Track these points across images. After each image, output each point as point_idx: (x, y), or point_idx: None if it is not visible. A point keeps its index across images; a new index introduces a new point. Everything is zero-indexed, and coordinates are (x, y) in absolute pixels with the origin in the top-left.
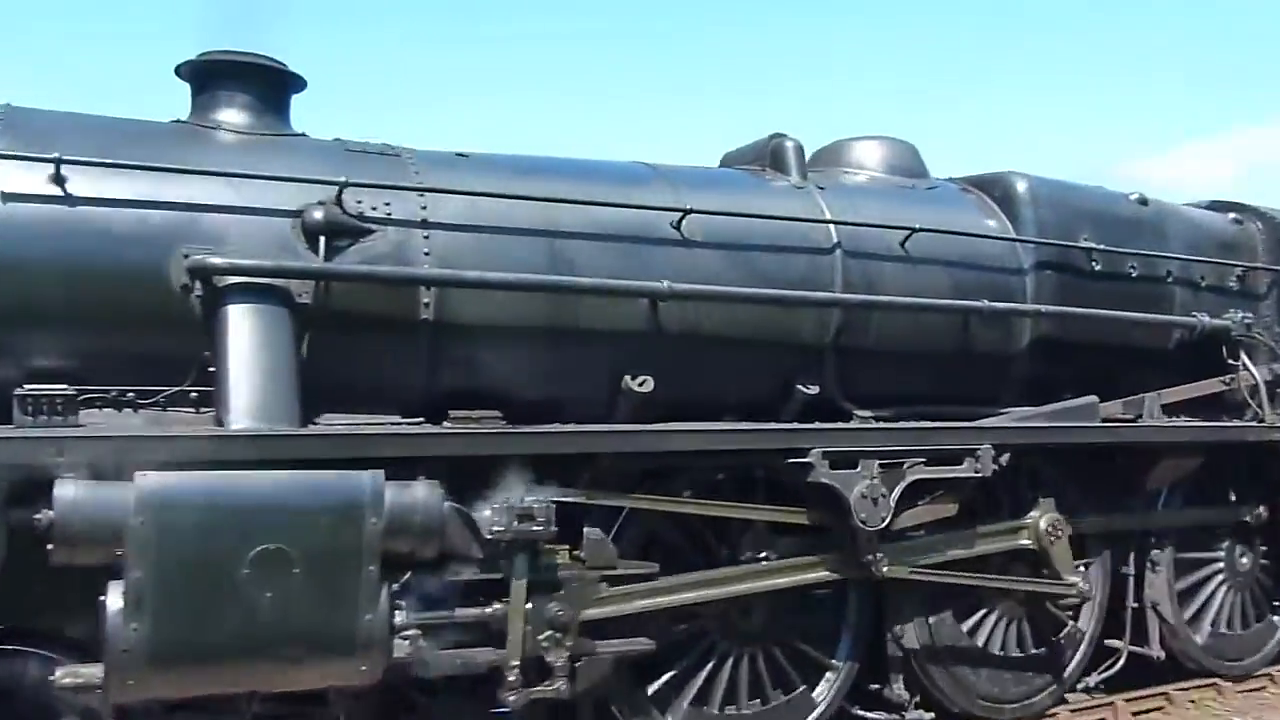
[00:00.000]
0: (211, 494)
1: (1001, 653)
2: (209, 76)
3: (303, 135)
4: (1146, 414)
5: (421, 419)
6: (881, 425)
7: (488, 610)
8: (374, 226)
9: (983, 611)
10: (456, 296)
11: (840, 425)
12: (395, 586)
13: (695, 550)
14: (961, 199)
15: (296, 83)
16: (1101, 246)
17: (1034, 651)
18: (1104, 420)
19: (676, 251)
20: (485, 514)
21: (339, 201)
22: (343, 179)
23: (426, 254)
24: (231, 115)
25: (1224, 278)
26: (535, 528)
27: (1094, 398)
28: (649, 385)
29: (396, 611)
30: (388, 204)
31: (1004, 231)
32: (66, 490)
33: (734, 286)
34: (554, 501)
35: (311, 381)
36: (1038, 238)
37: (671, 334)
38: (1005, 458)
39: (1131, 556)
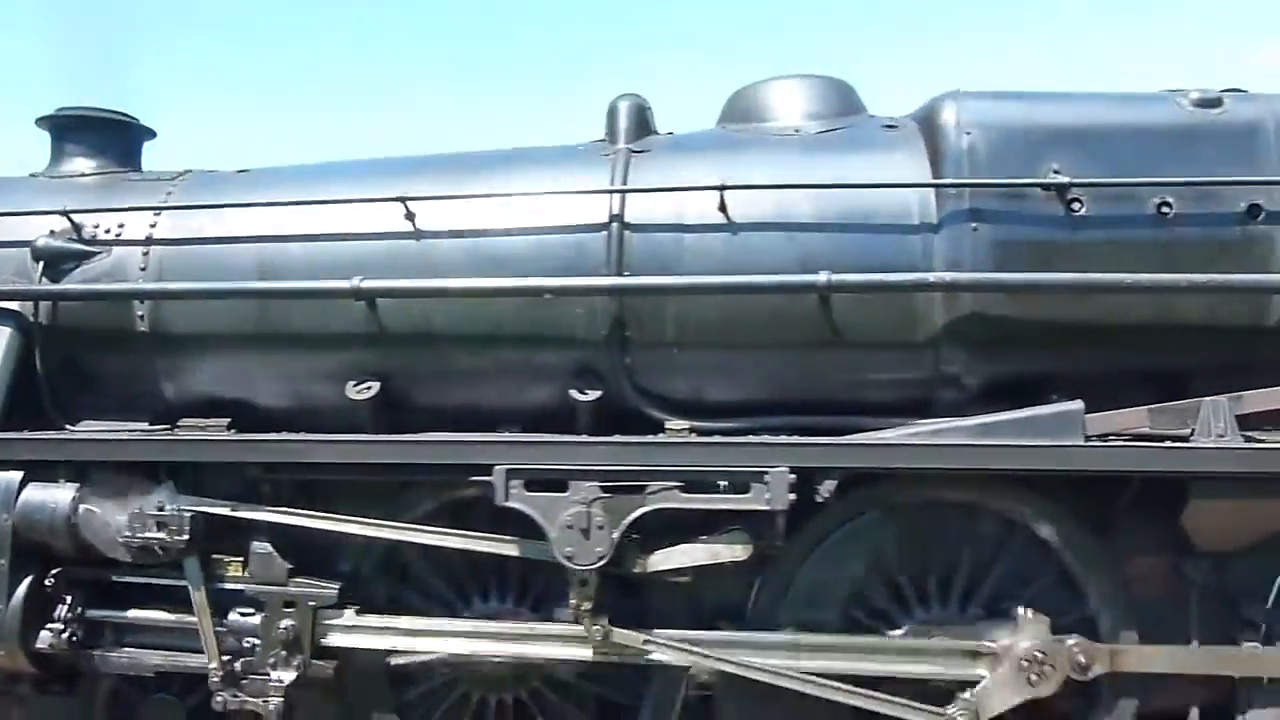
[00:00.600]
0: None
1: None
2: (62, 129)
3: (130, 174)
4: (1203, 429)
5: (166, 426)
6: (609, 440)
7: (170, 615)
8: (96, 249)
9: None
10: (169, 308)
11: (529, 439)
12: (50, 581)
13: (448, 587)
14: (872, 140)
15: (142, 131)
16: (1065, 180)
17: None
18: (1102, 437)
19: (409, 246)
20: (121, 519)
21: (75, 229)
22: (64, 208)
23: (142, 269)
24: (79, 163)
25: None
26: (168, 536)
27: (1077, 403)
28: (371, 392)
29: (59, 605)
30: (121, 225)
31: (920, 177)
32: None
33: (476, 279)
34: (195, 511)
35: (61, 393)
36: (966, 178)
37: (398, 336)
38: (829, 485)
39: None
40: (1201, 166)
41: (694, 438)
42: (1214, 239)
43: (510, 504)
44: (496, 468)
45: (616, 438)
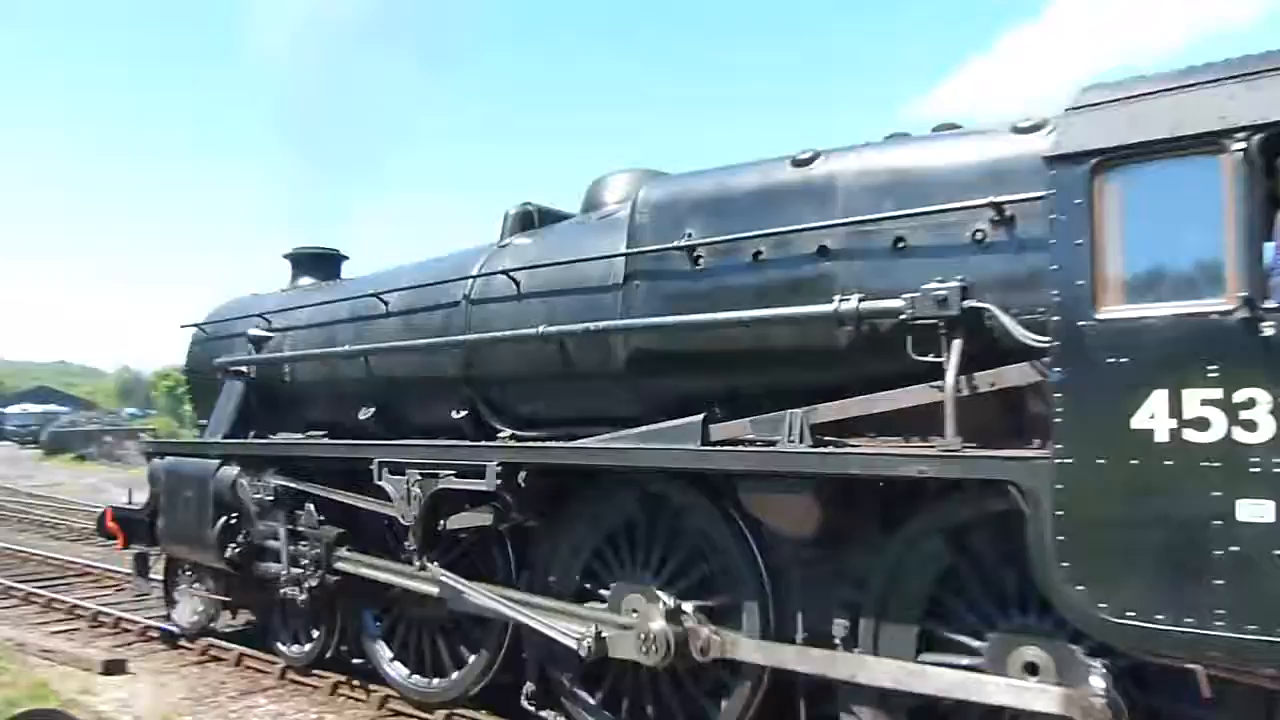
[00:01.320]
0: None
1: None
2: (294, 260)
3: (306, 285)
4: (785, 435)
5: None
6: (421, 443)
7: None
8: (273, 334)
9: None
10: (296, 369)
11: (394, 443)
12: (232, 519)
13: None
14: (605, 225)
15: (340, 258)
16: (690, 242)
17: None
18: (718, 443)
19: (381, 322)
20: (251, 487)
21: (268, 323)
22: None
23: (288, 345)
24: (303, 280)
25: (958, 227)
26: (264, 497)
27: (696, 418)
28: (369, 414)
29: (237, 533)
30: (286, 321)
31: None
32: None
33: (403, 341)
34: (277, 484)
35: (256, 420)
36: (638, 247)
37: (381, 378)
38: (522, 476)
39: None
40: (788, 218)
41: (450, 441)
42: (794, 278)
43: (378, 482)
44: (374, 460)
45: (423, 442)
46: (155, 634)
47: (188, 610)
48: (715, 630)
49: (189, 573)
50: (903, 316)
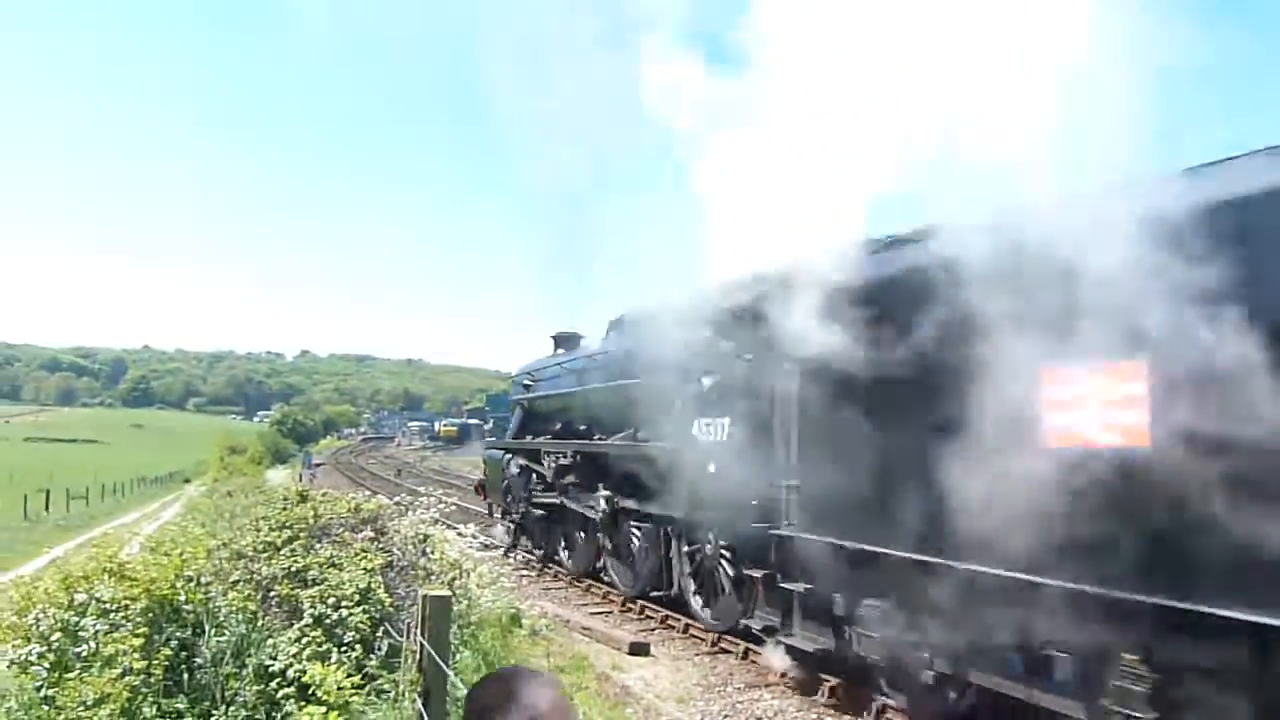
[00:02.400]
0: None
1: None
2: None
3: (569, 352)
4: None
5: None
6: (564, 442)
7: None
8: (534, 384)
9: None
10: (536, 402)
11: (554, 441)
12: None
13: None
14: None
15: (578, 336)
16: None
17: None
18: None
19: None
20: (515, 471)
21: (532, 376)
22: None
23: (529, 385)
24: (559, 352)
25: None
26: (514, 472)
27: None
28: (573, 427)
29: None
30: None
31: None
32: None
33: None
34: (522, 466)
35: (528, 430)
36: None
37: (579, 407)
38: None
39: None
40: None
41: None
42: None
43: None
44: (542, 450)
45: (563, 442)
46: (674, 623)
47: (500, 533)
48: None
49: (500, 514)
50: None
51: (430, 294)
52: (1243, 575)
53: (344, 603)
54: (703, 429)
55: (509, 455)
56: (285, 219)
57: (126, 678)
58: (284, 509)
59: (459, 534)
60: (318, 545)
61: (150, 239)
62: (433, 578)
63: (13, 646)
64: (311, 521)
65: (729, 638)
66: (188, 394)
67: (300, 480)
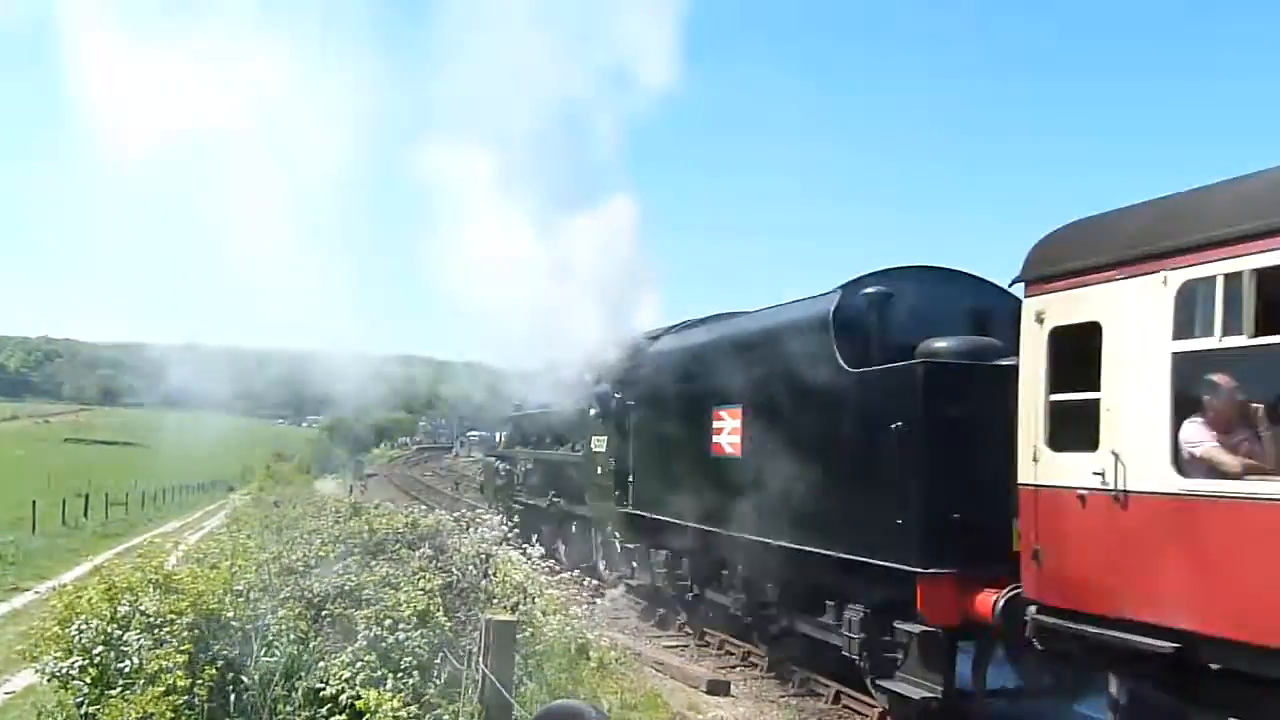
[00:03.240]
0: None
1: None
2: None
3: None
4: None
5: None
6: None
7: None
8: None
9: None
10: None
11: None
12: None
13: None
14: None
15: None
16: None
17: None
18: None
19: None
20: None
21: None
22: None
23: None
24: None
25: None
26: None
27: None
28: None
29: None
30: None
31: None
32: None
33: None
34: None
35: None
36: None
37: None
38: None
39: None
40: None
41: None
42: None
43: None
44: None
45: None
46: (756, 660)
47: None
48: None
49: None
50: None
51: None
52: (807, 524)
53: (400, 625)
54: (595, 444)
55: (497, 461)
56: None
57: (170, 696)
58: (336, 522)
59: (524, 554)
60: (373, 562)
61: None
62: (495, 602)
63: (54, 658)
64: (366, 537)
65: (818, 677)
66: (234, 395)
67: (351, 491)
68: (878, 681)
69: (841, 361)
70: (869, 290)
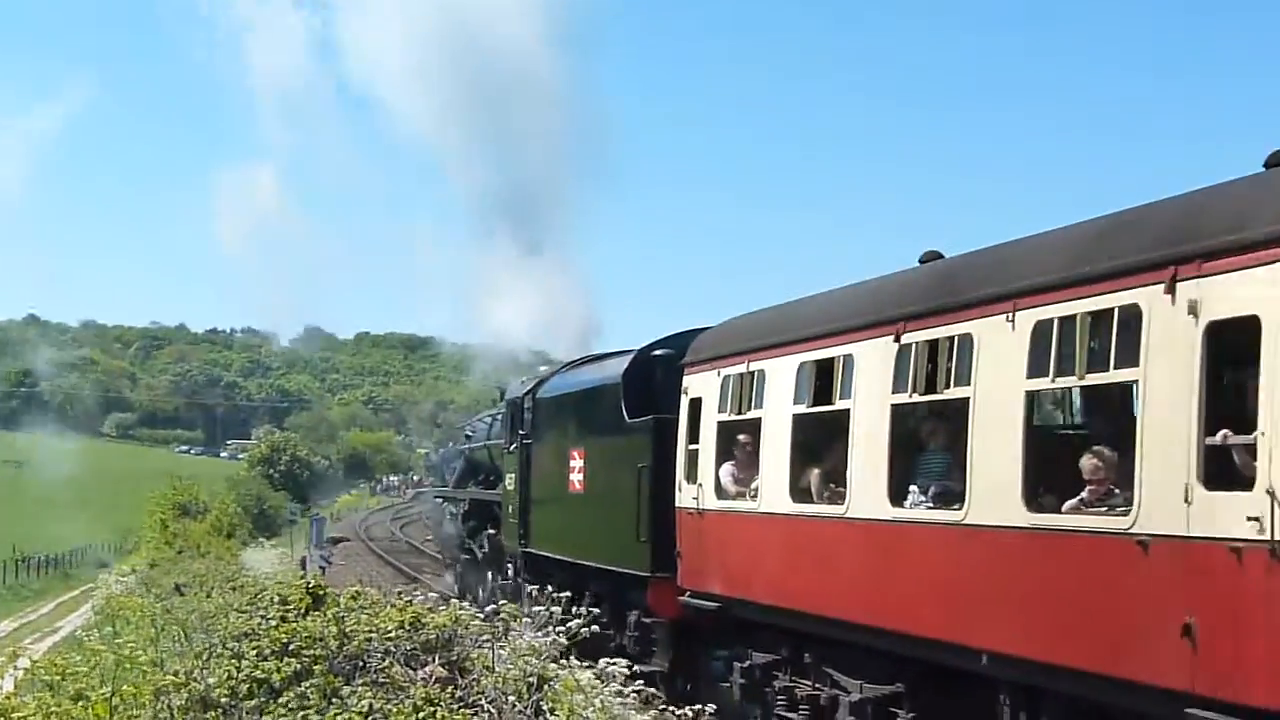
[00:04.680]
0: None
1: None
2: None
3: None
4: None
5: None
6: None
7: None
8: None
9: None
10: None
11: None
12: None
13: None
14: None
15: None
16: None
17: None
18: None
19: None
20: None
21: None
22: None
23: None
24: None
25: None
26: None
27: None
28: None
29: None
30: None
31: None
32: None
33: None
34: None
35: None
36: None
37: None
38: None
39: None
40: None
41: None
42: None
43: None
44: None
45: None
46: None
47: (449, 582)
48: None
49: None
50: None
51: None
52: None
53: None
54: (509, 481)
55: (444, 503)
56: None
57: None
58: (281, 621)
59: (599, 673)
60: (346, 690)
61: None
62: None
63: None
64: (334, 646)
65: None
66: (107, 406)
67: (306, 567)
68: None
69: (625, 414)
70: (657, 353)
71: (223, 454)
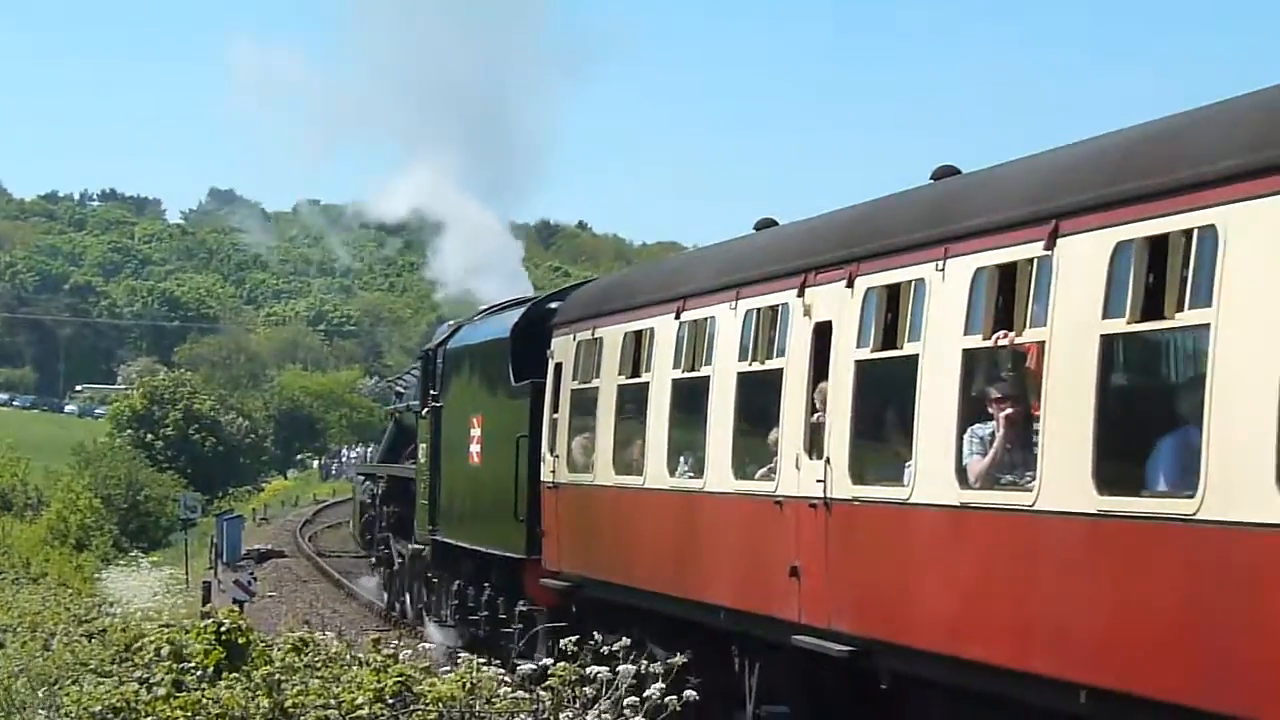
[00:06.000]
0: None
1: None
2: None
3: None
4: None
5: None
6: None
7: None
8: None
9: None
10: None
11: None
12: None
13: None
14: None
15: None
16: None
17: None
18: None
19: None
20: None
21: None
22: None
23: None
24: None
25: None
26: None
27: None
28: None
29: None
30: None
31: None
32: None
33: None
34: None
35: None
36: None
37: None
38: None
39: None
40: None
41: None
42: None
43: None
44: None
45: None
46: None
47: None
48: None
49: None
50: None
51: None
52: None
53: None
54: (421, 453)
55: (366, 481)
56: None
57: None
58: (176, 690)
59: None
60: None
61: None
62: None
63: None
64: None
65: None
66: None
67: (213, 598)
68: None
69: (512, 376)
70: (552, 305)
71: (68, 407)
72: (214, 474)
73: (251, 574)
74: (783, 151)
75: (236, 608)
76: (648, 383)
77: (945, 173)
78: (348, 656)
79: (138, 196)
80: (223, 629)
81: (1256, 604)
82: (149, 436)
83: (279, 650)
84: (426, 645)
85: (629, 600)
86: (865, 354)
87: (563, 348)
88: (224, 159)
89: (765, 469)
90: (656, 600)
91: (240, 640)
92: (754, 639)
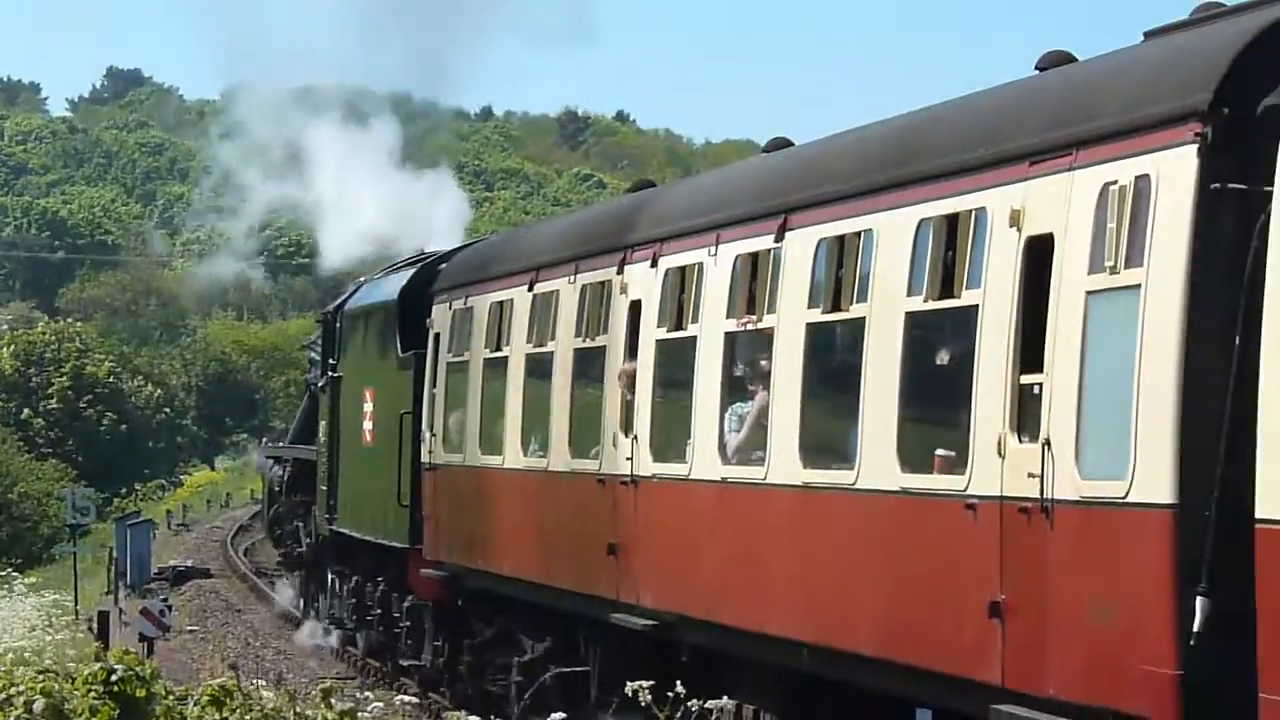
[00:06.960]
0: None
1: None
2: None
3: None
4: None
5: None
6: None
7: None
8: None
9: None
10: None
11: None
12: None
13: None
14: None
15: None
16: None
17: None
18: None
19: None
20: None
21: None
22: None
23: None
24: None
25: None
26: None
27: None
28: None
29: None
30: None
31: None
32: None
33: None
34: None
35: None
36: None
37: None
38: None
39: None
40: None
41: None
42: None
43: None
44: None
45: None
46: None
47: (288, 596)
48: None
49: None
50: None
51: None
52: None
53: None
54: (322, 432)
55: (274, 465)
56: None
57: None
58: None
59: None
60: None
61: None
62: None
63: None
64: None
65: None
66: None
67: (112, 632)
68: None
69: (399, 345)
70: (444, 267)
71: None
72: (114, 463)
73: (165, 600)
74: None
75: (142, 646)
76: (507, 357)
77: (775, 145)
78: (290, 714)
79: (7, 80)
80: (114, 677)
81: None
82: (24, 411)
83: (193, 706)
84: (403, 698)
85: (500, 589)
86: (663, 334)
87: (441, 317)
88: (125, 30)
89: (595, 448)
90: (520, 588)
91: (138, 693)
92: (588, 620)
